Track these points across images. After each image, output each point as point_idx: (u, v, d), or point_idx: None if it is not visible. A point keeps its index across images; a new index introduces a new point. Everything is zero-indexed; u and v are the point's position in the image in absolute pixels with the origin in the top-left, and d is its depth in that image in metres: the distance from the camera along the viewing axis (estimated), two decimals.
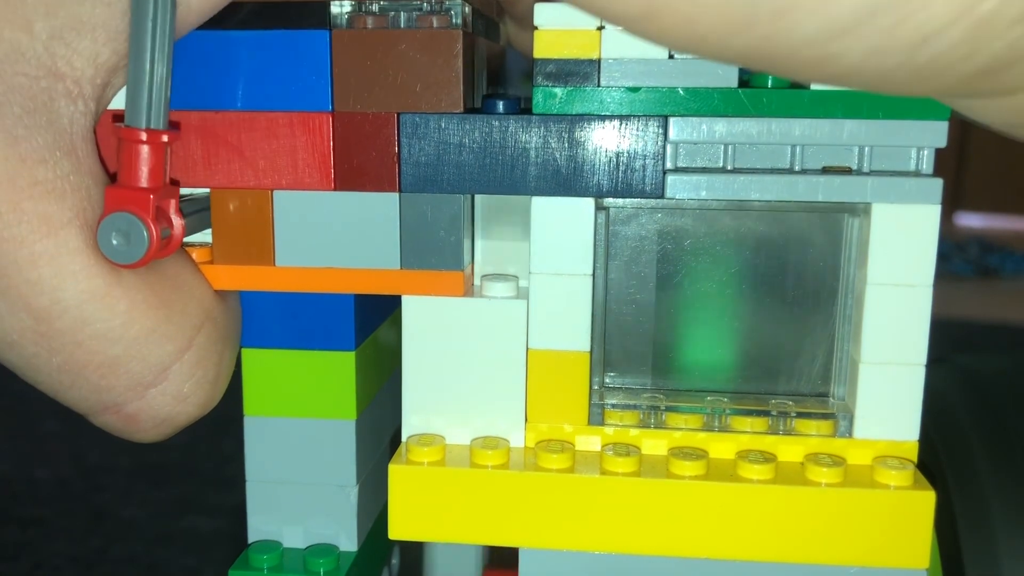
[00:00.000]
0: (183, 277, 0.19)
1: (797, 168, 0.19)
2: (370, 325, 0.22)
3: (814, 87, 0.18)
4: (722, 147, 0.19)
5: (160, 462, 0.49)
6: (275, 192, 0.19)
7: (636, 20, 0.14)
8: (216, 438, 0.48)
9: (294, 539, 0.22)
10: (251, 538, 0.22)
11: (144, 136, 0.17)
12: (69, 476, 0.49)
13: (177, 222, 0.18)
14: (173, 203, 0.18)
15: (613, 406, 0.20)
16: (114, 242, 0.17)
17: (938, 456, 0.25)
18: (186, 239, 0.19)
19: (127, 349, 0.18)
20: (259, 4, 0.18)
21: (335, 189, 0.19)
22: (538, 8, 0.18)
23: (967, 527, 0.24)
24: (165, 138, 0.17)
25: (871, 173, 0.18)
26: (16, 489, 0.47)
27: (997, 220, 1.46)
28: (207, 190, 0.20)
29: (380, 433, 0.24)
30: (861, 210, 0.19)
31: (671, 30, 0.14)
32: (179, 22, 0.17)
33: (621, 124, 0.18)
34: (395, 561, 0.26)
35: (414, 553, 0.26)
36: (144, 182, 0.17)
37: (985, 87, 0.14)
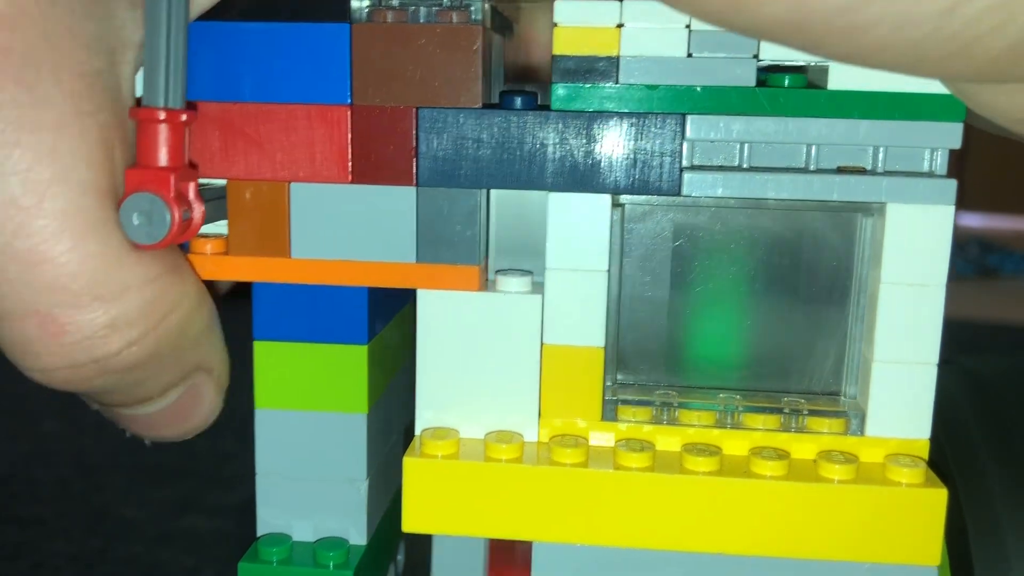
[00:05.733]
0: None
1: (812, 167, 0.19)
2: (383, 318, 0.22)
3: (831, 87, 0.18)
4: (738, 145, 0.19)
5: (160, 462, 0.49)
6: (292, 184, 0.19)
7: None
8: (216, 438, 0.48)
9: (303, 532, 0.22)
10: (260, 531, 0.22)
11: (163, 115, 0.17)
12: (69, 476, 0.48)
13: (197, 206, 0.18)
14: (192, 186, 0.18)
15: (626, 402, 0.20)
16: (135, 222, 0.17)
17: (945, 458, 0.25)
18: (201, 229, 0.19)
19: (105, 248, 0.17)
20: None
21: (352, 182, 0.19)
22: (558, 5, 0.18)
23: (975, 529, 0.24)
24: (184, 117, 0.17)
25: (885, 173, 0.19)
26: (16, 489, 0.47)
27: (997, 220, 1.46)
28: (223, 181, 0.20)
29: (391, 427, 0.24)
30: (875, 210, 0.19)
31: None
32: (193, 3, 0.17)
33: (639, 121, 0.18)
34: (400, 557, 0.26)
35: (421, 549, 0.25)
36: (164, 161, 0.17)
37: (1017, 70, 0.14)
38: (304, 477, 0.22)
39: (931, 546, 0.18)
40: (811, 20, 0.14)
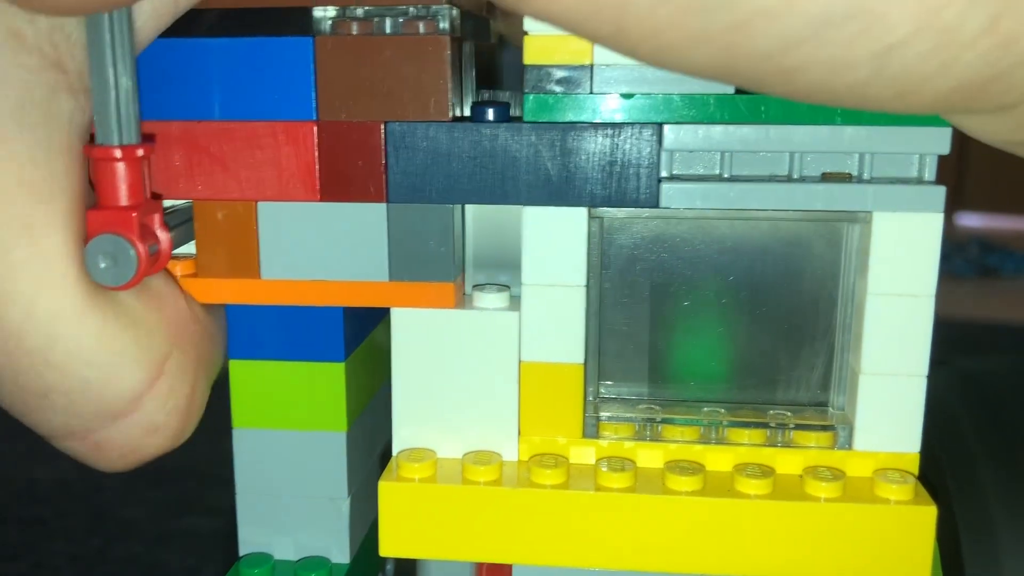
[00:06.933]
0: (156, 290, 0.18)
1: (796, 176, 0.18)
2: (360, 334, 0.22)
3: None
4: (719, 154, 0.18)
5: (160, 462, 0.49)
6: (259, 203, 0.19)
7: (608, 38, 0.14)
8: (216, 438, 0.48)
9: (285, 551, 0.22)
10: (242, 550, 0.22)
11: (119, 153, 0.16)
12: (69, 476, 0.48)
13: (163, 237, 0.18)
14: (157, 217, 0.18)
15: (608, 418, 0.19)
16: (102, 265, 0.16)
17: (939, 462, 0.24)
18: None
19: (98, 372, 0.17)
20: (240, 11, 0.18)
21: (321, 200, 0.19)
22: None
23: (968, 533, 0.23)
24: (140, 152, 0.16)
25: (872, 180, 0.18)
26: (16, 489, 0.47)
27: (997, 220, 1.45)
28: (190, 202, 0.19)
29: (372, 443, 0.23)
30: (861, 218, 0.18)
31: (640, 44, 0.14)
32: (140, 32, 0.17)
33: (614, 131, 0.18)
34: (389, 567, 0.26)
35: (409, 560, 0.25)
36: (125, 200, 0.17)
37: (976, 103, 0.14)
38: (285, 496, 0.22)
39: (920, 564, 0.18)
40: (740, 65, 0.14)
